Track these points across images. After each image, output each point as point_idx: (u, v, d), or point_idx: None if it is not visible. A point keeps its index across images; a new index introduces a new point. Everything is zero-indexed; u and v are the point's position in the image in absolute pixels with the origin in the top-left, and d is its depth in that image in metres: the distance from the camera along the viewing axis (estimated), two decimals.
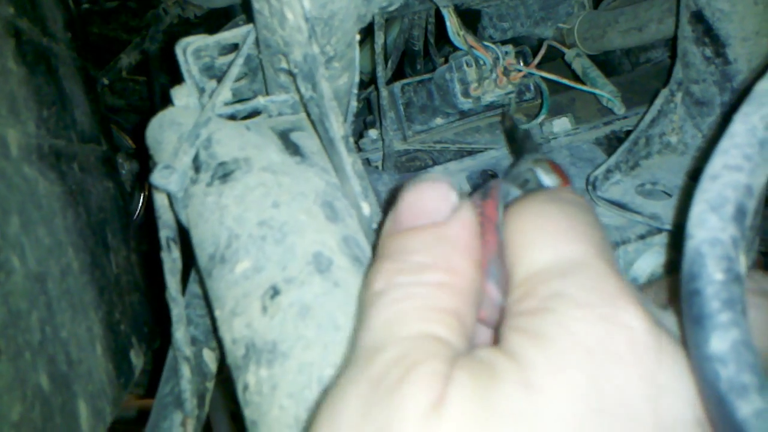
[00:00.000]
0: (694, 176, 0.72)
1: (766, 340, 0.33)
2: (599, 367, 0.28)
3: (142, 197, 1.31)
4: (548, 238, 0.33)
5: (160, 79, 1.30)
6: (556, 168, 0.64)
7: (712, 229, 0.29)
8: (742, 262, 0.29)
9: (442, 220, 0.35)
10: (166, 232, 0.53)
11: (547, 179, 0.62)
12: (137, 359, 0.80)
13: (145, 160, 1.26)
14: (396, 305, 0.32)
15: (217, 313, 0.42)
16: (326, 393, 0.32)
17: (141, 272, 0.94)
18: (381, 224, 0.37)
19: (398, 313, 0.32)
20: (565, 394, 0.27)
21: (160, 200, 0.53)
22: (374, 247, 0.38)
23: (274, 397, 0.36)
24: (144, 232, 1.24)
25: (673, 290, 0.37)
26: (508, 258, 0.34)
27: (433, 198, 0.36)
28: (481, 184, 0.81)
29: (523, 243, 0.34)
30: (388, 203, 0.38)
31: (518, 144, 0.77)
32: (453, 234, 0.34)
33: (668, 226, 0.66)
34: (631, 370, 0.28)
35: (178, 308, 0.52)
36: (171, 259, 0.52)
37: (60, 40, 0.84)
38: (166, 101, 0.56)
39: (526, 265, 0.33)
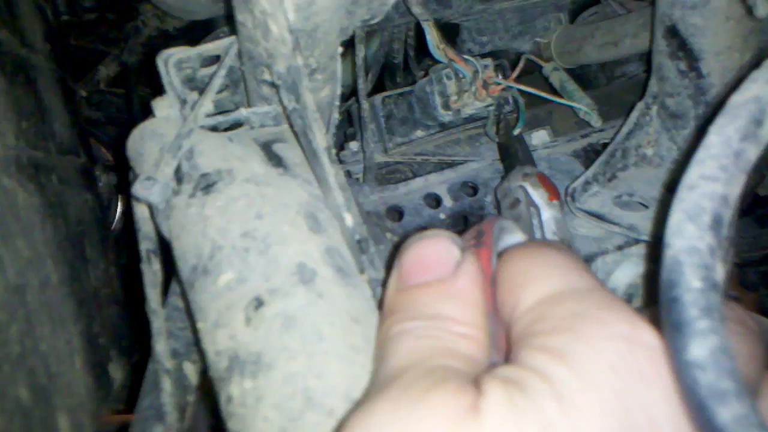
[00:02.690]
0: (670, 188, 0.73)
1: (747, 368, 0.34)
2: (626, 385, 0.29)
3: (119, 210, 1.30)
4: (554, 270, 0.35)
5: (139, 91, 1.29)
6: (545, 182, 0.65)
7: (689, 237, 0.30)
8: (720, 271, 0.30)
9: (449, 276, 0.35)
10: (146, 244, 0.52)
11: (537, 195, 0.64)
12: (116, 373, 0.79)
13: (123, 173, 1.25)
14: (419, 341, 0.33)
15: (200, 325, 0.41)
16: (354, 407, 0.32)
17: (120, 285, 0.93)
18: (385, 281, 0.38)
19: (421, 347, 0.33)
20: (597, 409, 0.28)
21: (141, 212, 0.53)
22: (380, 304, 0.39)
23: (258, 408, 0.35)
24: (122, 245, 1.23)
25: (654, 321, 0.38)
26: (508, 294, 0.35)
27: (437, 253, 0.36)
28: (462, 196, 0.82)
29: (528, 276, 0.35)
30: (390, 261, 0.39)
31: (509, 152, 0.78)
32: (461, 288, 0.35)
33: (645, 237, 0.67)
34: (655, 388, 0.29)
35: (158, 321, 0.52)
36: (151, 272, 0.52)
37: (39, 51, 0.84)
38: (145, 114, 0.56)
39: (533, 294, 0.34)
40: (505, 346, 0.36)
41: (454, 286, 0.35)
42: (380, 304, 0.38)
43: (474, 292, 0.35)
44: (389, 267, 0.38)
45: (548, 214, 0.63)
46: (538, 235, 0.61)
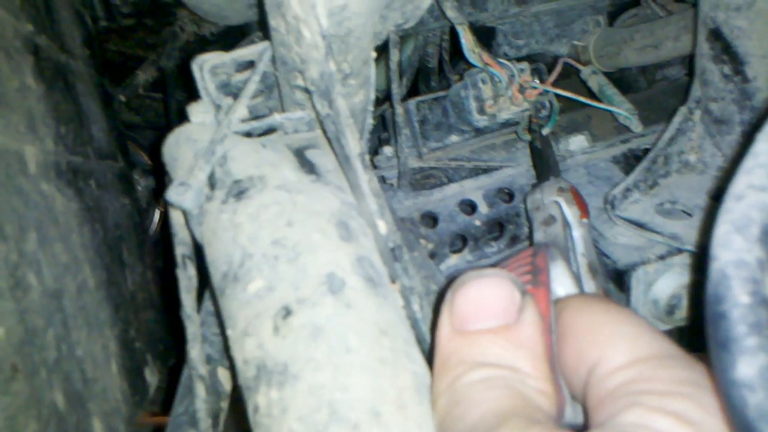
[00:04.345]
0: (715, 196, 0.71)
1: None
2: None
3: (157, 213, 1.32)
4: (644, 332, 0.34)
5: (176, 95, 1.31)
6: (578, 198, 0.65)
7: (737, 250, 0.29)
8: None
9: (512, 322, 0.34)
10: (181, 249, 0.52)
11: (570, 213, 0.63)
12: (152, 377, 0.79)
13: (161, 177, 1.27)
14: (505, 391, 0.32)
15: (229, 332, 0.41)
16: None
17: (156, 289, 0.94)
18: (435, 320, 0.37)
19: (511, 396, 0.32)
20: None
21: (176, 217, 0.53)
22: (430, 349, 0.38)
23: (284, 419, 0.35)
24: (159, 249, 1.24)
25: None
26: (587, 347, 0.35)
27: (498, 296, 0.35)
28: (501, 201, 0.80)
29: (614, 333, 0.34)
30: (440, 295, 0.38)
31: (543, 157, 0.77)
32: (527, 338, 0.34)
33: (689, 247, 0.65)
34: None
35: (193, 326, 0.52)
36: (186, 277, 0.52)
37: (78, 56, 0.85)
38: (182, 118, 0.57)
39: (626, 352, 0.33)
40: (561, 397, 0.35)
41: (520, 335, 0.34)
42: (431, 345, 0.37)
43: (538, 342, 0.34)
44: (439, 302, 0.37)
45: (578, 233, 0.62)
46: (571, 256, 0.59)
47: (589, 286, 0.60)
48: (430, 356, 0.37)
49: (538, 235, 0.63)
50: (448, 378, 0.34)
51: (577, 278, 0.50)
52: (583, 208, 0.65)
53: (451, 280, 0.37)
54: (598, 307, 0.37)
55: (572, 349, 0.35)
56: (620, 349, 0.33)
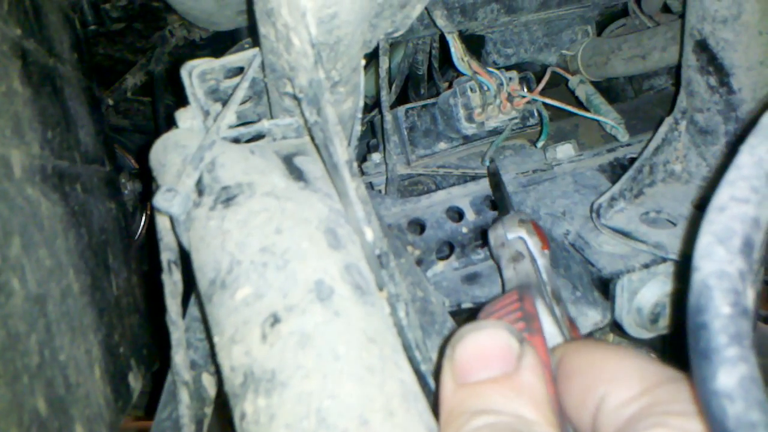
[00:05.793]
0: (700, 206, 0.71)
1: None
2: None
3: (144, 218, 1.31)
4: (645, 362, 0.35)
5: (165, 100, 1.30)
6: (538, 230, 0.66)
7: (719, 261, 0.29)
8: (750, 296, 0.29)
9: (512, 370, 0.35)
10: (167, 254, 0.52)
11: (532, 244, 0.63)
12: (136, 382, 0.79)
13: (148, 181, 1.26)
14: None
15: (216, 339, 0.41)
16: None
17: (141, 294, 0.93)
18: (438, 374, 0.38)
19: None
20: None
21: (163, 223, 0.53)
22: (435, 403, 0.38)
23: (271, 427, 0.35)
24: (145, 253, 1.24)
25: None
26: (592, 385, 0.35)
27: (496, 346, 0.36)
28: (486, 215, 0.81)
29: (617, 367, 0.35)
30: (441, 350, 0.38)
31: (500, 192, 0.78)
32: (527, 384, 0.35)
33: (673, 256, 0.65)
34: None
35: (177, 332, 0.52)
36: (172, 282, 0.52)
37: (66, 60, 0.85)
38: (171, 122, 0.56)
39: (636, 382, 0.34)
40: None
41: (520, 382, 0.35)
42: (436, 401, 0.38)
43: (539, 387, 0.35)
44: (440, 357, 0.37)
45: (541, 262, 0.62)
46: (543, 289, 0.60)
47: (555, 312, 0.60)
48: (435, 409, 0.38)
49: (509, 273, 0.63)
50: (452, 429, 0.34)
51: (554, 314, 0.51)
52: (544, 239, 0.65)
53: (450, 334, 0.38)
54: (596, 347, 0.38)
55: (577, 388, 0.36)
56: (629, 380, 0.34)
